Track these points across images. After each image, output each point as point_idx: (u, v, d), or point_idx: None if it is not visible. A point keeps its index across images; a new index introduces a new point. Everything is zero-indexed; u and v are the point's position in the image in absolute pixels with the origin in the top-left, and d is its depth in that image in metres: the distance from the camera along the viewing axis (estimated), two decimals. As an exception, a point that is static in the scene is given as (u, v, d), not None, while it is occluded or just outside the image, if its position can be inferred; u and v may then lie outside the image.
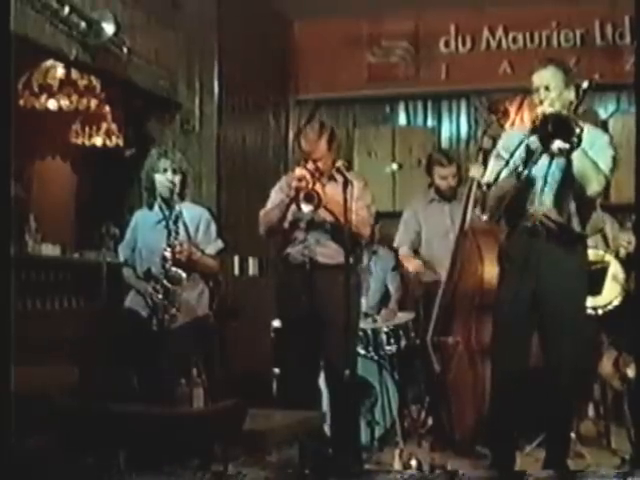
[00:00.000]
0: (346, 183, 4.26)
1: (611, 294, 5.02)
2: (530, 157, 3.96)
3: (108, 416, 3.38)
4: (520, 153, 4.04)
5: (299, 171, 4.42)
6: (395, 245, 5.68)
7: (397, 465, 4.48)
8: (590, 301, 4.96)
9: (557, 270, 4.07)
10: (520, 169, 3.97)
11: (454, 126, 7.46)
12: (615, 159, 4.11)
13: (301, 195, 4.34)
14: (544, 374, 4.20)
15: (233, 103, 6.61)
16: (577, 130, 3.79)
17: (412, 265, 5.46)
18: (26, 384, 3.21)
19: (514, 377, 4.14)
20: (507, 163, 4.02)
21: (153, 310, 4.52)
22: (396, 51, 7.40)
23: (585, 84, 4.06)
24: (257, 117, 7.08)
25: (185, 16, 6.26)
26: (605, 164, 4.03)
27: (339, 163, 4.48)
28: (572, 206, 4.07)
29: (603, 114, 7.07)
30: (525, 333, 4.16)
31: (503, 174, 4.09)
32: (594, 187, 4.00)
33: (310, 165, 4.47)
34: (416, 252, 5.57)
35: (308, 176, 4.38)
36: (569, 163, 3.96)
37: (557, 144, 3.82)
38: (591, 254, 5.05)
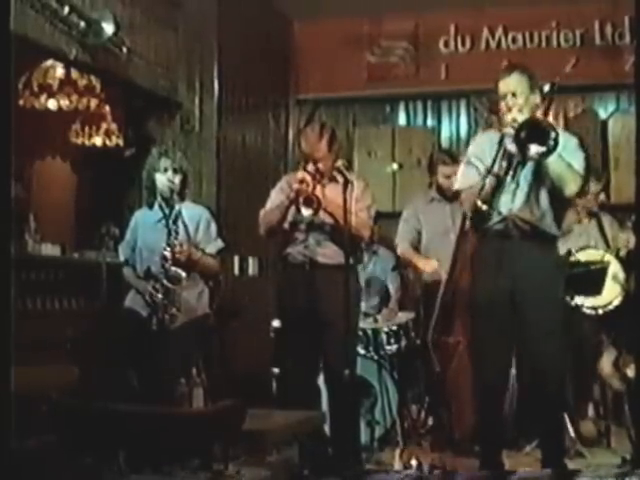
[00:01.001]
0: (346, 183, 4.26)
1: (611, 294, 5.03)
2: (509, 163, 4.01)
3: (108, 416, 3.37)
4: (493, 158, 4.09)
5: (300, 173, 4.43)
6: (398, 245, 5.66)
7: (397, 465, 4.49)
8: (590, 301, 4.98)
9: (532, 270, 4.10)
10: (495, 170, 4.01)
11: (454, 126, 7.46)
12: (587, 160, 4.19)
13: (301, 199, 4.34)
14: (529, 374, 4.25)
15: (233, 103, 6.61)
16: (553, 134, 3.85)
17: (429, 266, 5.32)
18: (26, 384, 3.21)
19: (497, 379, 4.19)
20: (489, 172, 4.04)
21: (153, 310, 4.52)
22: (396, 51, 7.40)
23: (547, 87, 4.12)
24: (257, 117, 7.08)
25: (185, 16, 6.26)
26: (579, 165, 4.11)
27: (339, 163, 4.49)
28: (544, 207, 4.12)
29: (603, 114, 7.09)
30: (506, 334, 4.18)
31: (478, 179, 4.14)
32: (572, 188, 4.07)
33: (311, 167, 4.47)
34: (415, 250, 5.55)
35: (309, 178, 4.38)
36: (539, 165, 4.02)
37: (534, 149, 3.88)
38: (591, 254, 5.08)
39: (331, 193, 4.42)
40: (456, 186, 4.37)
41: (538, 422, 4.33)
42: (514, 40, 7.14)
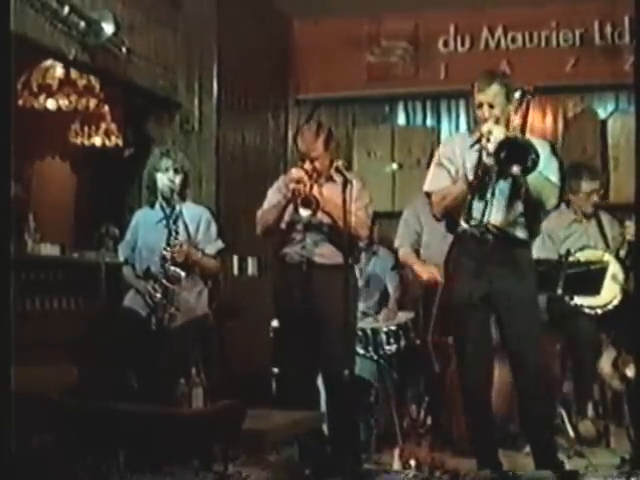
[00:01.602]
0: (346, 183, 4.27)
1: (610, 294, 5.04)
2: (486, 175, 4.03)
3: (107, 416, 3.37)
4: (464, 162, 4.15)
5: (296, 172, 4.42)
6: (396, 245, 5.67)
7: (396, 465, 4.49)
8: (589, 301, 4.98)
9: (507, 273, 4.15)
10: (471, 179, 4.06)
11: (453, 126, 7.46)
12: (561, 168, 4.22)
13: (299, 200, 4.33)
14: (512, 376, 4.28)
15: (232, 103, 6.61)
16: (532, 154, 3.88)
17: (425, 272, 5.34)
18: (26, 384, 3.21)
19: (479, 379, 4.21)
20: (470, 185, 4.07)
21: (152, 309, 4.52)
22: (395, 51, 7.39)
23: (517, 94, 4.15)
24: (256, 117, 7.08)
25: (185, 16, 6.26)
26: (556, 176, 4.16)
27: (339, 163, 4.48)
28: (519, 215, 4.16)
29: (602, 114, 7.08)
30: (485, 335, 4.22)
31: (448, 182, 4.19)
32: (552, 202, 4.16)
33: (307, 166, 4.47)
34: (416, 252, 5.56)
35: (305, 177, 4.37)
36: (516, 177, 4.04)
37: (515, 168, 3.92)
38: (590, 254, 5.08)
39: (328, 193, 4.42)
40: (425, 187, 4.37)
41: (525, 423, 4.34)
42: (514, 40, 7.14)
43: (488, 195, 4.04)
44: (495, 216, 4.10)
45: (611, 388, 5.19)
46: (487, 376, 4.23)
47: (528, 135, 4.17)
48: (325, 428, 4.55)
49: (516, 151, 3.90)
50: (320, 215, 4.42)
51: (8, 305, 2.87)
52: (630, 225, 5.09)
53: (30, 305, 4.92)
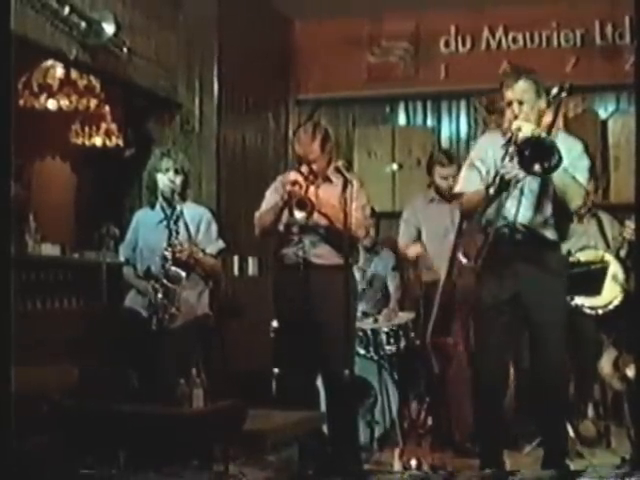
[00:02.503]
0: (346, 183, 4.26)
1: (611, 294, 5.04)
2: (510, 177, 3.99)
3: (108, 416, 3.38)
4: (495, 162, 4.10)
5: (293, 175, 4.42)
6: (399, 244, 5.66)
7: (397, 465, 4.49)
8: (590, 301, 4.98)
9: (537, 273, 4.12)
10: (498, 180, 4.01)
11: (454, 126, 7.46)
12: (591, 170, 4.21)
13: (294, 201, 4.33)
14: (531, 374, 4.27)
15: (233, 103, 6.61)
16: (556, 154, 3.83)
17: (412, 250, 5.40)
18: (26, 384, 3.21)
19: (498, 380, 4.21)
20: (496, 180, 4.04)
21: (153, 309, 4.52)
22: (396, 51, 7.39)
23: (555, 90, 4.09)
24: (257, 117, 7.08)
25: (185, 16, 6.26)
26: (583, 177, 4.11)
27: (339, 163, 4.48)
28: (548, 215, 4.13)
29: (603, 114, 7.08)
30: (509, 335, 4.20)
31: (479, 183, 4.15)
32: (577, 202, 4.10)
33: (304, 168, 4.47)
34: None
35: (301, 180, 4.37)
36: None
37: (537, 167, 3.87)
38: (591, 254, 5.08)
39: (325, 194, 4.42)
40: (457, 189, 4.35)
41: (542, 423, 4.33)
42: (514, 40, 7.13)
43: (517, 192, 4.02)
44: (524, 215, 4.08)
45: (611, 388, 5.19)
46: (505, 378, 4.22)
47: (564, 132, 4.12)
48: (325, 428, 4.56)
49: (540, 150, 3.85)
50: (317, 216, 4.41)
51: (8, 305, 2.87)
52: (630, 225, 5.09)
53: (30, 305, 4.92)
